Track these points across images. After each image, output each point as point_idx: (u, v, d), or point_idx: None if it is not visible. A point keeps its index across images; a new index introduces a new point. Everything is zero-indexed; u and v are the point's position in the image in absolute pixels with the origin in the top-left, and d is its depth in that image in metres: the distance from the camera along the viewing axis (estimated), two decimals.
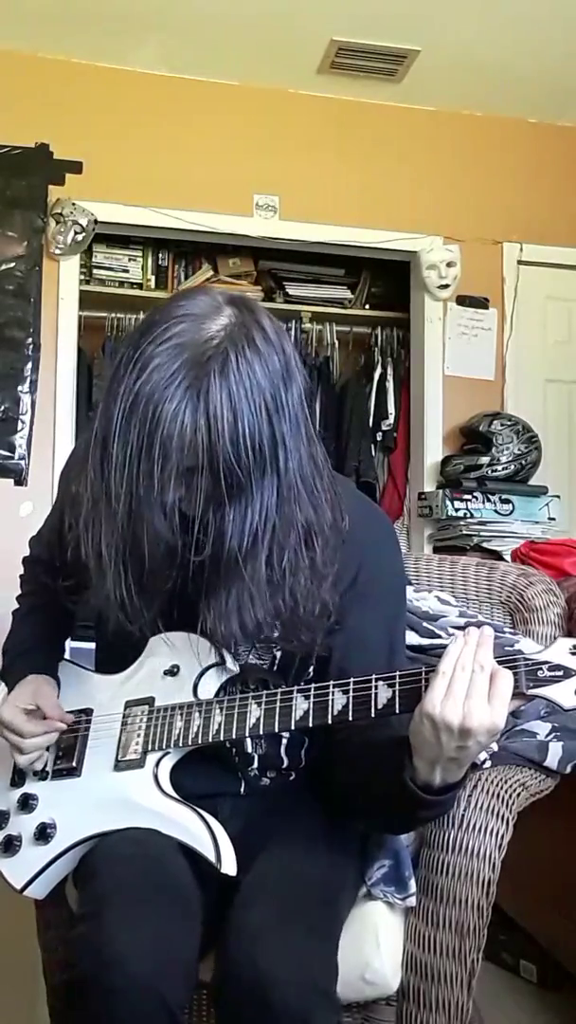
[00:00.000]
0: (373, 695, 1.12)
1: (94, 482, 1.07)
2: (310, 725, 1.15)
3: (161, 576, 1.10)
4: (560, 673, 1.06)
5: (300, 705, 1.16)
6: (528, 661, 1.08)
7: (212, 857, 1.14)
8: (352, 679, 1.14)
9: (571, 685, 1.06)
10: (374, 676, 1.13)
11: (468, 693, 1.04)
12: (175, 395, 1.01)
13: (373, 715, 1.12)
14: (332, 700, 1.14)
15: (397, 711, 1.11)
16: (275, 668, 1.27)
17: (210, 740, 1.20)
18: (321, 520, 1.14)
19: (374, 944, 1.28)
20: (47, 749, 1.33)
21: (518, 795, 1.37)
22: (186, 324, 1.04)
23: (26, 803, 1.30)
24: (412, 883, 1.32)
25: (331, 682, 1.15)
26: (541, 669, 1.07)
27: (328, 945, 1.14)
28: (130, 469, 1.03)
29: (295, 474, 1.08)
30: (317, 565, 1.14)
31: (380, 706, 1.11)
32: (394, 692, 1.11)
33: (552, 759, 1.47)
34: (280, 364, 1.06)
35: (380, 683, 1.12)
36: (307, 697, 1.16)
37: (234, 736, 1.19)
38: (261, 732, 1.18)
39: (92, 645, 1.42)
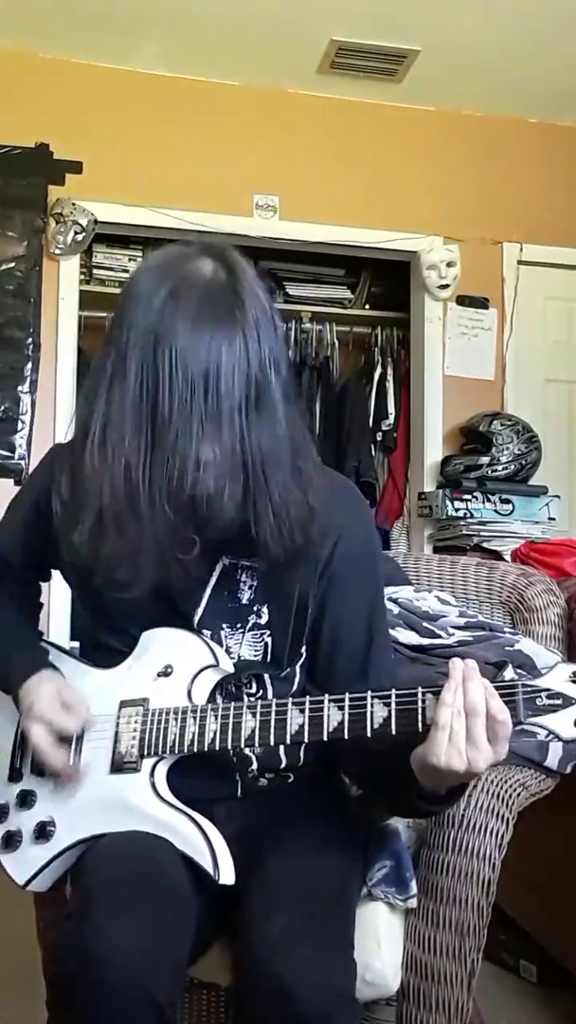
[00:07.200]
0: (369, 713, 1.11)
1: (132, 422, 1.09)
2: (305, 740, 1.14)
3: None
4: (559, 701, 1.04)
5: (295, 719, 1.14)
6: (527, 688, 1.05)
7: (210, 868, 1.14)
8: (347, 695, 1.13)
9: (570, 715, 1.04)
10: (369, 693, 1.12)
11: (470, 739, 1.05)
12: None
13: (369, 734, 1.11)
14: (328, 716, 1.13)
15: (393, 731, 1.10)
16: (268, 659, 1.26)
17: (205, 748, 1.19)
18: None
19: (375, 945, 1.28)
20: None
21: (518, 795, 1.37)
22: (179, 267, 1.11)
23: (25, 799, 1.29)
24: (413, 884, 1.32)
25: (326, 696, 1.14)
26: (540, 697, 1.04)
27: (346, 948, 1.15)
28: (191, 397, 1.06)
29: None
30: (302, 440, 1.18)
31: (376, 725, 1.10)
32: (390, 712, 1.10)
33: (552, 759, 1.47)
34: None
35: (376, 701, 1.11)
36: (302, 711, 1.14)
37: (229, 746, 1.18)
38: (256, 744, 1.17)
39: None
